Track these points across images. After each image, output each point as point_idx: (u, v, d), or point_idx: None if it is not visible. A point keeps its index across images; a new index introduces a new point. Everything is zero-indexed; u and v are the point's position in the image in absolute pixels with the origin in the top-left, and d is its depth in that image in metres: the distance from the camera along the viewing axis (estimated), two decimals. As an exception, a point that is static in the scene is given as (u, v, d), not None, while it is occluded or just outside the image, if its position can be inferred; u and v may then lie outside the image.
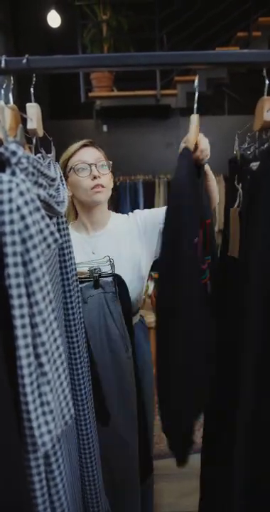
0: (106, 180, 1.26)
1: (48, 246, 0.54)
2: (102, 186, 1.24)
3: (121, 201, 4.54)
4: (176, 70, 4.19)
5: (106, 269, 1.21)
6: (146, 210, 1.37)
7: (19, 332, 0.49)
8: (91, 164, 1.23)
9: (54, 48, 4.82)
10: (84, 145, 1.27)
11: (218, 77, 4.30)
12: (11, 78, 0.67)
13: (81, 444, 0.90)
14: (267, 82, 0.73)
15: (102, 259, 1.21)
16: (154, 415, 1.47)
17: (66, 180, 1.29)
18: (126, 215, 1.41)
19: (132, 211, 1.40)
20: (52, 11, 4.55)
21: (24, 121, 0.71)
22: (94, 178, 1.22)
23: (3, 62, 0.62)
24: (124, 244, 1.30)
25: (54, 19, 4.60)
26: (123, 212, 1.46)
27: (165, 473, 2.02)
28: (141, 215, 1.35)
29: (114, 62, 0.77)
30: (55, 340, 0.54)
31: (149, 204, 4.52)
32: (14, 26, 4.77)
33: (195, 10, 4.22)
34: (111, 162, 1.30)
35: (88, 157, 1.25)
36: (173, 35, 4.44)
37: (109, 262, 1.21)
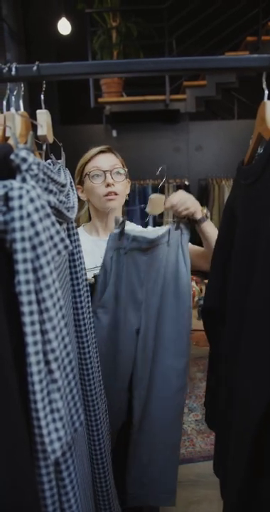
0: (121, 187, 1.27)
1: (59, 252, 0.54)
2: (115, 194, 1.25)
3: (131, 206, 4.55)
4: (185, 74, 4.20)
5: None
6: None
7: (29, 339, 0.49)
8: (105, 171, 1.24)
9: (64, 54, 4.87)
10: (102, 151, 1.27)
11: (227, 81, 4.30)
12: (22, 85, 0.67)
13: (93, 450, 0.90)
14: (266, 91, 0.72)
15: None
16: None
17: (82, 185, 1.31)
18: (141, 226, 1.41)
19: (143, 218, 1.41)
20: (62, 19, 4.62)
21: (35, 127, 0.71)
22: (108, 185, 1.23)
23: (13, 69, 0.63)
24: None
25: (64, 27, 4.66)
26: (132, 216, 1.47)
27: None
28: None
29: (123, 69, 0.77)
30: (65, 346, 0.54)
31: (158, 208, 4.52)
32: (26, 34, 4.84)
33: (205, 15, 4.23)
34: (126, 169, 1.30)
35: (103, 164, 1.25)
36: (182, 40, 4.45)
37: None
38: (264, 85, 0.72)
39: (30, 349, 0.49)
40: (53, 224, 0.53)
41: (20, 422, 0.50)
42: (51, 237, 0.52)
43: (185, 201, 1.18)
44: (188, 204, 1.18)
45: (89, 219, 1.39)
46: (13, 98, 0.64)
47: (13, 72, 0.63)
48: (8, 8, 4.31)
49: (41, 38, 4.87)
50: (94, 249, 1.30)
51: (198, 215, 1.21)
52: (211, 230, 1.22)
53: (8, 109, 0.65)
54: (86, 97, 4.52)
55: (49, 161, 0.79)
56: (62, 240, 0.54)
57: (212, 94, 4.34)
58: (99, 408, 0.87)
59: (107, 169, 1.24)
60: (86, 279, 0.85)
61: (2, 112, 0.63)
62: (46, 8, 4.85)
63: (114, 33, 4.47)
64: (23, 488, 0.51)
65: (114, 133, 4.93)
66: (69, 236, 0.82)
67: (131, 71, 0.79)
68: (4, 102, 0.65)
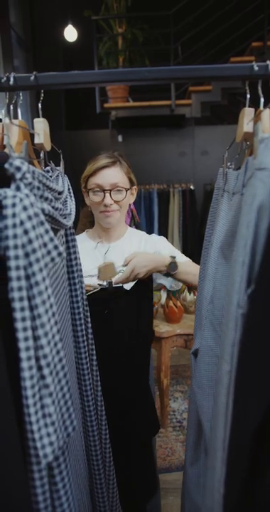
0: (119, 204, 1.25)
1: (52, 259, 0.55)
2: (113, 210, 1.24)
3: (136, 210, 4.56)
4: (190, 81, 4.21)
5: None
6: (166, 247, 1.41)
7: (22, 344, 0.49)
8: (105, 191, 1.21)
9: (71, 61, 4.93)
10: (106, 166, 1.21)
11: (233, 86, 4.31)
12: (20, 94, 0.68)
13: (90, 456, 0.90)
14: (248, 95, 0.74)
15: (122, 268, 1.25)
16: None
17: (86, 196, 1.29)
18: (144, 232, 1.42)
19: (148, 221, 1.44)
20: (69, 26, 4.67)
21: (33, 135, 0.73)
22: (105, 205, 1.22)
23: (12, 79, 0.64)
24: None
25: (71, 33, 4.71)
26: (139, 223, 1.49)
27: (174, 487, 1.99)
28: (159, 246, 1.39)
29: (121, 78, 0.78)
30: (58, 352, 0.55)
31: (164, 213, 4.53)
32: (33, 41, 4.90)
33: (210, 21, 4.24)
34: (133, 179, 1.30)
35: (105, 181, 1.21)
36: (187, 46, 4.48)
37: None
38: (260, 92, 0.74)
39: (23, 355, 0.50)
40: (47, 231, 0.54)
41: (13, 426, 0.50)
42: (44, 245, 0.53)
43: (139, 263, 1.23)
44: (143, 264, 1.23)
45: (92, 224, 1.39)
46: (11, 107, 0.65)
47: (12, 82, 0.65)
48: (16, 15, 4.36)
49: (48, 44, 4.92)
50: (95, 253, 1.31)
51: (162, 269, 1.27)
52: (185, 277, 1.30)
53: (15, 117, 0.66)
54: (92, 103, 4.56)
55: (48, 168, 0.80)
56: (56, 247, 0.55)
57: (217, 100, 4.34)
58: (94, 415, 0.87)
59: (108, 188, 1.21)
60: (82, 281, 0.85)
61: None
62: (53, 15, 4.90)
63: (119, 39, 4.51)
64: (15, 491, 0.51)
65: (120, 138, 4.96)
66: (67, 242, 0.82)
67: (129, 80, 0.80)
68: (3, 111, 0.66)
